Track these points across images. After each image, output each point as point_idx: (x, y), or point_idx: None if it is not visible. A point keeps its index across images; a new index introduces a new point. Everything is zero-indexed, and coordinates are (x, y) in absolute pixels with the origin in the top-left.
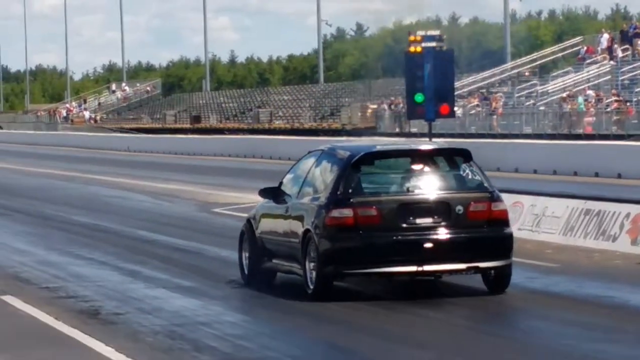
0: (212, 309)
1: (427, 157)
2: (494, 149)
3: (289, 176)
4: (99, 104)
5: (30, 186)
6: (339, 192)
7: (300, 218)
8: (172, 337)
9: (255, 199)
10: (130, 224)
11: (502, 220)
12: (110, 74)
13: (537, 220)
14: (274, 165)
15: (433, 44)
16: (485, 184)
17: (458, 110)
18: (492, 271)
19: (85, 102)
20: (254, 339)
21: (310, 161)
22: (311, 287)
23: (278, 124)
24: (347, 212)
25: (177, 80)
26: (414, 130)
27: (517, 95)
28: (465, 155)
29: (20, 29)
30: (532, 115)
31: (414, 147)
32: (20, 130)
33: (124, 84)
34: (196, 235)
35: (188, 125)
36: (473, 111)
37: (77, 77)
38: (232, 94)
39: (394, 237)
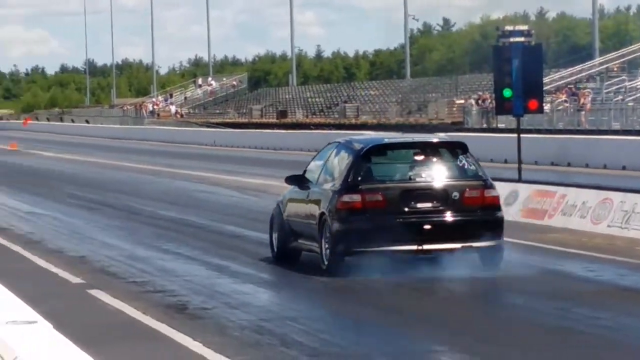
0: (300, 304)
1: (429, 149)
2: (582, 145)
3: (311, 165)
4: (185, 98)
5: (118, 181)
6: (349, 180)
7: (317, 202)
8: (259, 332)
9: None
10: (217, 218)
11: (494, 205)
12: (197, 69)
13: (627, 217)
14: None
15: (521, 38)
16: (480, 173)
17: (546, 106)
18: (487, 253)
19: (171, 96)
20: (340, 334)
21: (329, 151)
22: (326, 263)
23: (364, 119)
24: (356, 197)
25: (263, 74)
26: (501, 125)
27: (605, 90)
28: (462, 147)
29: (107, 23)
30: (621, 110)
31: (417, 140)
32: (107, 125)
33: (210, 79)
34: None
35: (274, 120)
36: (561, 107)
37: (163, 71)
38: (319, 88)
39: (397, 220)
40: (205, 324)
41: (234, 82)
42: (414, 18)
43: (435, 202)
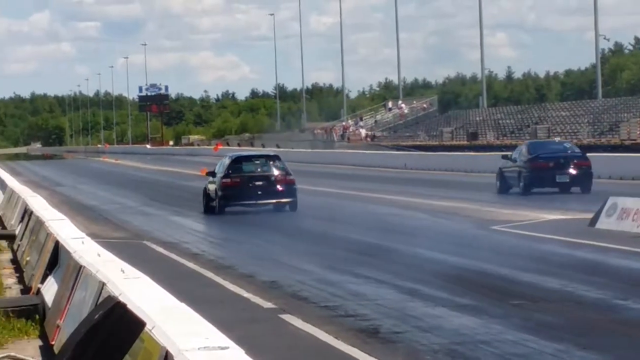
0: (493, 328)
1: (261, 158)
2: None
3: (217, 166)
4: (375, 121)
5: (308, 205)
6: (226, 172)
7: (214, 183)
8: (451, 356)
9: (533, 215)
10: (409, 242)
11: (292, 182)
12: (386, 92)
13: None
14: None
15: None
16: (285, 168)
17: None
18: (287, 205)
19: (361, 119)
20: (538, 358)
21: (224, 160)
22: (217, 210)
23: (557, 140)
24: (227, 180)
25: (453, 96)
26: None
27: None
28: (277, 157)
29: (297, 48)
30: None
31: (256, 153)
32: (297, 149)
33: (400, 101)
34: (475, 253)
35: (465, 142)
36: None
37: (353, 94)
38: (509, 110)
39: (246, 189)
40: (397, 348)
41: (424, 105)
42: (605, 38)
43: (264, 181)
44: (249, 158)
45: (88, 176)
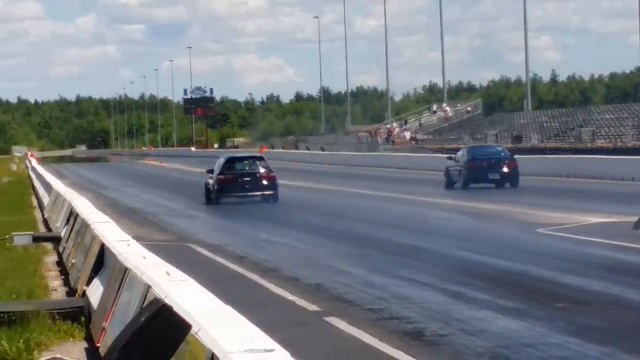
0: (537, 331)
1: (249, 158)
2: None
3: (215, 165)
4: (420, 124)
5: (353, 207)
6: (221, 170)
7: (212, 178)
8: (496, 359)
9: (578, 218)
10: (452, 244)
11: (273, 179)
12: (431, 95)
13: None
14: (596, 185)
15: None
16: (268, 167)
17: None
18: (271, 197)
19: (406, 122)
20: None
21: (219, 160)
22: (214, 201)
23: (600, 143)
24: (222, 176)
25: (497, 99)
26: None
27: None
28: (261, 158)
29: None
30: None
31: (245, 154)
32: (342, 152)
33: (444, 104)
34: (520, 256)
35: (509, 145)
36: None
37: (397, 97)
38: (554, 113)
39: (236, 184)
40: (442, 351)
41: (469, 108)
42: None
43: (251, 177)
44: (240, 159)
45: (132, 179)
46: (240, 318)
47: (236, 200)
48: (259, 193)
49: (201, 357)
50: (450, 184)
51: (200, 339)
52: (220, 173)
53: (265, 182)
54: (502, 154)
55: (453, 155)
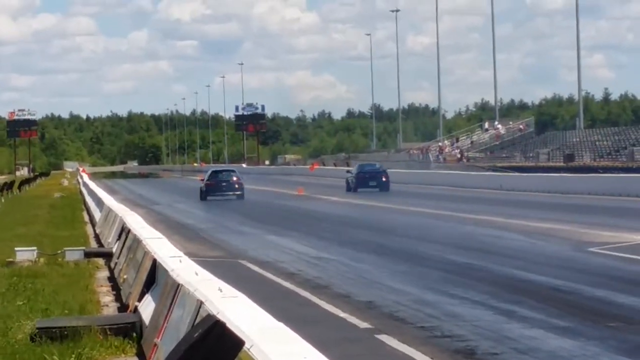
0: (589, 350)
1: (227, 171)
2: None
3: (206, 175)
4: (472, 142)
5: (405, 225)
6: (208, 178)
7: (203, 181)
8: None
9: (630, 237)
10: (504, 263)
11: (240, 183)
12: (483, 112)
13: None
14: None
15: None
16: (238, 176)
17: None
18: (239, 196)
19: (457, 140)
20: None
21: (208, 172)
22: (202, 198)
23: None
24: (209, 182)
25: (550, 118)
26: None
27: None
28: (234, 171)
29: (393, 68)
30: None
31: (224, 168)
32: (393, 169)
33: (496, 122)
34: (572, 275)
35: (561, 164)
36: None
37: (449, 115)
38: (606, 131)
39: (218, 188)
40: None
41: (521, 126)
42: None
43: (227, 183)
44: (220, 171)
45: (184, 195)
46: (293, 335)
47: (219, 198)
48: (231, 193)
49: None
50: (348, 189)
51: (253, 356)
52: (207, 180)
53: (236, 185)
54: (380, 169)
55: (350, 169)
